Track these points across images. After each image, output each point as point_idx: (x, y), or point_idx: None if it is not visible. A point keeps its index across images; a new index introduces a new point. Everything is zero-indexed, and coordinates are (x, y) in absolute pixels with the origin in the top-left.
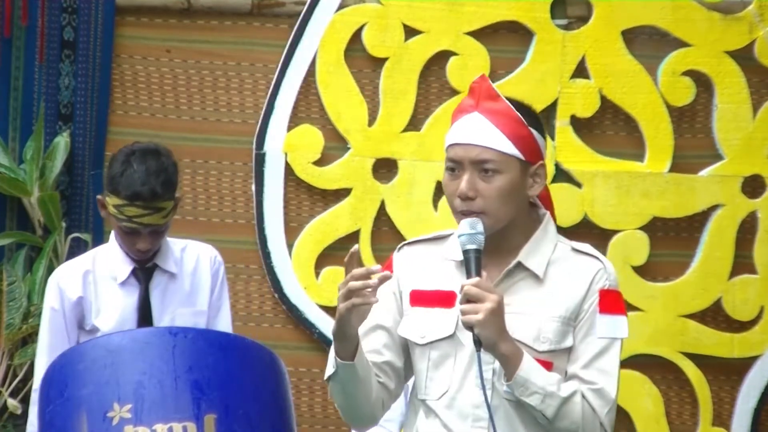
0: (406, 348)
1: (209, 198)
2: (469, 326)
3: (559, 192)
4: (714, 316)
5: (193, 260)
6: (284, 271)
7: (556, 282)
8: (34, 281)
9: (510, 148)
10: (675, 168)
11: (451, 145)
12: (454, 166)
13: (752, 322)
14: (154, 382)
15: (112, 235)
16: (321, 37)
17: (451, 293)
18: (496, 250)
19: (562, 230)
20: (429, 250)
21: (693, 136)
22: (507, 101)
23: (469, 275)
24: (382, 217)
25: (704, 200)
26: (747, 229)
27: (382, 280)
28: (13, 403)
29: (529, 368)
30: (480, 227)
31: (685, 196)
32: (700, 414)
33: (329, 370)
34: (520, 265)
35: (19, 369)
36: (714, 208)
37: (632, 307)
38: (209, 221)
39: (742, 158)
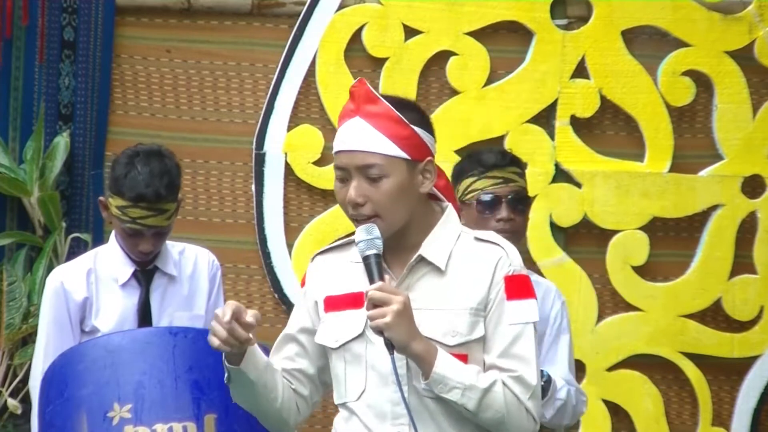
0: (322, 356)
1: (210, 198)
2: (379, 331)
3: (559, 192)
4: (714, 316)
5: (191, 263)
6: (284, 271)
7: (459, 273)
8: (34, 281)
9: (393, 150)
10: (675, 168)
11: (336, 153)
12: (342, 175)
13: (752, 322)
14: (154, 382)
15: (112, 235)
16: (321, 37)
17: (360, 294)
18: (398, 247)
19: (562, 230)
20: (339, 256)
21: (693, 136)
22: (387, 102)
23: (372, 281)
24: None
25: (704, 200)
26: (747, 229)
27: (249, 327)
28: (13, 403)
29: (444, 364)
30: (376, 232)
31: (685, 196)
32: (699, 414)
33: (226, 374)
34: (422, 259)
35: (19, 369)
36: (714, 208)
37: (632, 307)
38: (210, 221)
39: (742, 158)
